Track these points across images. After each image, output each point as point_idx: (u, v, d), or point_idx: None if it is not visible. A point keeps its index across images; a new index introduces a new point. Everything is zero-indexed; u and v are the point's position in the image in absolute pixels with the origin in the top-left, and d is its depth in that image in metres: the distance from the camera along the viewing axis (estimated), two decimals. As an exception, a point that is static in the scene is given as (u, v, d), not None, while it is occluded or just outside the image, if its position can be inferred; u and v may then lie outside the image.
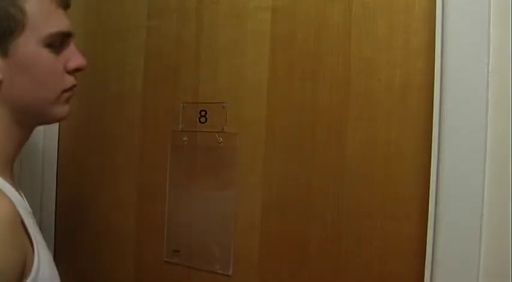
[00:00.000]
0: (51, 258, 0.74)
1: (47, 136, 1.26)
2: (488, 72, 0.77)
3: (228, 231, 1.04)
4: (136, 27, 1.18)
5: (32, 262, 0.67)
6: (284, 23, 1.00)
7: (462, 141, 0.78)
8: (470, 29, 0.79)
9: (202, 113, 1.08)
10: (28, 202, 0.78)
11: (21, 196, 0.77)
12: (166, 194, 1.12)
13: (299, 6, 0.99)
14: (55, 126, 1.28)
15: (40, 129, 1.18)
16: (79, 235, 1.27)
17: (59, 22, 0.77)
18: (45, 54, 0.75)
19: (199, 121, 1.08)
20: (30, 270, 0.66)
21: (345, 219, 0.93)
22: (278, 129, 1.00)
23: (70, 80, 0.80)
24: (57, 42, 0.76)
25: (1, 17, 0.71)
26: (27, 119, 0.77)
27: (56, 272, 0.74)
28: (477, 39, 0.78)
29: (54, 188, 1.30)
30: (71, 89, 0.80)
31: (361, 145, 0.92)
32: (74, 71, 0.80)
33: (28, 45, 0.73)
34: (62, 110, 0.80)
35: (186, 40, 1.11)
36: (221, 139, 1.06)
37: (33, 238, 0.69)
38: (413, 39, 0.87)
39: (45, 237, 0.76)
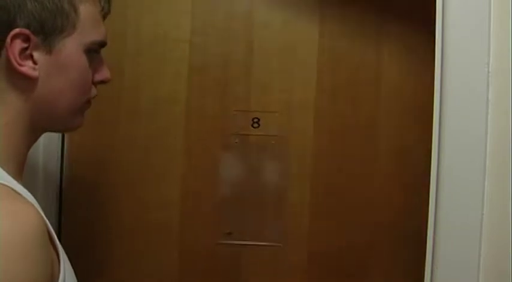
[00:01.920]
0: (70, 263, 0.72)
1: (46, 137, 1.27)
2: (488, 72, 0.77)
3: (279, 211, 1.27)
4: (177, 40, 1.26)
5: (59, 271, 0.66)
6: (329, 53, 1.24)
7: (462, 141, 0.78)
8: (470, 29, 0.79)
9: (255, 120, 1.28)
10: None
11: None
12: (219, 186, 1.28)
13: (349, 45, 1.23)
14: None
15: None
16: (119, 232, 1.29)
17: (102, 31, 0.77)
18: (84, 60, 0.74)
19: (252, 126, 1.28)
20: (57, 280, 0.65)
21: (368, 210, 1.26)
22: (323, 134, 1.26)
23: (94, 91, 0.79)
24: (94, 51, 0.76)
25: (55, 12, 0.69)
26: (45, 123, 0.76)
27: (75, 277, 0.72)
28: (477, 39, 0.78)
29: (57, 189, 1.30)
30: (91, 100, 0.79)
31: (389, 149, 1.26)
32: (99, 83, 0.79)
33: (72, 48, 0.72)
34: (79, 120, 0.79)
35: (235, 59, 1.27)
36: (273, 141, 1.28)
37: (58, 246, 0.67)
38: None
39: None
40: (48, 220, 0.68)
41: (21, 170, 0.74)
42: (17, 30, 0.67)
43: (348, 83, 1.25)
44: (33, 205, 0.65)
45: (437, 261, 0.79)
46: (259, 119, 1.27)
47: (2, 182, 0.65)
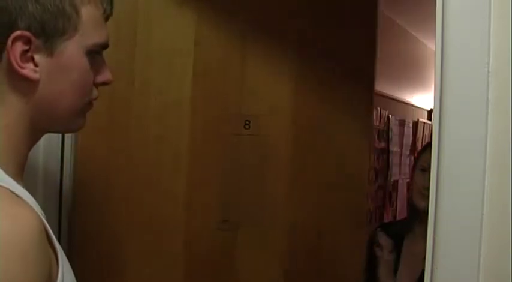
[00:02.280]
0: (69, 264, 0.73)
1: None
2: (488, 72, 0.77)
3: (263, 198, 1.51)
4: (183, 49, 1.40)
5: (57, 272, 0.66)
6: (303, 71, 1.51)
7: (462, 141, 0.78)
8: (470, 28, 0.79)
9: (247, 122, 1.49)
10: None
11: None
12: (217, 180, 1.47)
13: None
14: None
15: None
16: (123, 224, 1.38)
17: (104, 33, 0.77)
18: (85, 61, 0.74)
19: (244, 127, 1.49)
20: (56, 280, 0.66)
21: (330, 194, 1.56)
22: (303, 132, 1.49)
23: (95, 93, 0.80)
24: (96, 52, 0.76)
25: (57, 14, 0.69)
26: (45, 124, 0.76)
27: (74, 278, 0.73)
28: (477, 39, 0.78)
29: (57, 189, 1.30)
30: (93, 101, 0.80)
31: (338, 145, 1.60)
32: (100, 84, 0.80)
33: (74, 50, 0.72)
34: (81, 121, 0.80)
35: (233, 66, 1.46)
36: (261, 140, 1.52)
37: (57, 247, 0.68)
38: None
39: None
40: (50, 221, 0.68)
41: (21, 171, 0.74)
42: (18, 32, 0.68)
43: (317, 92, 1.53)
44: (31, 207, 0.66)
45: (437, 261, 0.79)
46: (250, 121, 1.50)
47: (1, 184, 0.65)
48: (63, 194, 1.30)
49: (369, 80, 1.55)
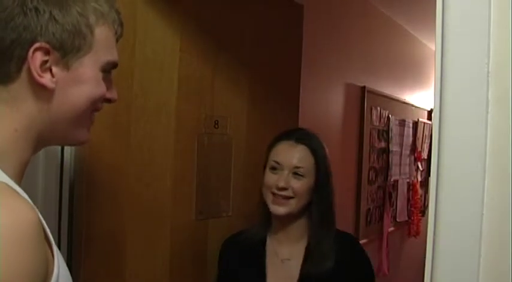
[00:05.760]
0: (63, 259, 0.75)
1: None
2: (488, 72, 0.77)
3: (228, 190, 1.77)
4: (171, 55, 1.56)
5: (53, 267, 0.69)
6: (255, 85, 1.86)
7: (462, 141, 0.78)
8: (470, 29, 0.79)
9: (216, 122, 1.71)
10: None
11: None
12: (194, 175, 1.66)
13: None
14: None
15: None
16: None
17: (115, 52, 0.83)
18: (99, 76, 0.80)
19: (214, 127, 1.71)
20: (51, 276, 0.68)
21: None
22: (252, 132, 1.78)
23: (101, 106, 0.85)
24: (107, 71, 0.82)
25: (74, 33, 0.75)
26: (52, 135, 0.80)
27: (69, 272, 0.75)
28: (477, 39, 0.78)
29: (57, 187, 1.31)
30: (97, 111, 0.85)
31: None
32: (106, 101, 0.85)
33: (89, 66, 0.78)
34: (85, 133, 0.84)
35: (206, 75, 1.69)
36: (225, 138, 1.77)
37: (52, 243, 0.70)
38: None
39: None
40: (50, 219, 0.69)
41: (21, 177, 0.77)
42: (38, 44, 0.73)
43: (262, 103, 1.88)
44: (29, 201, 0.69)
45: (437, 261, 0.79)
46: (218, 121, 1.73)
47: (3, 180, 0.68)
48: (63, 191, 1.31)
49: (294, 98, 2.05)
